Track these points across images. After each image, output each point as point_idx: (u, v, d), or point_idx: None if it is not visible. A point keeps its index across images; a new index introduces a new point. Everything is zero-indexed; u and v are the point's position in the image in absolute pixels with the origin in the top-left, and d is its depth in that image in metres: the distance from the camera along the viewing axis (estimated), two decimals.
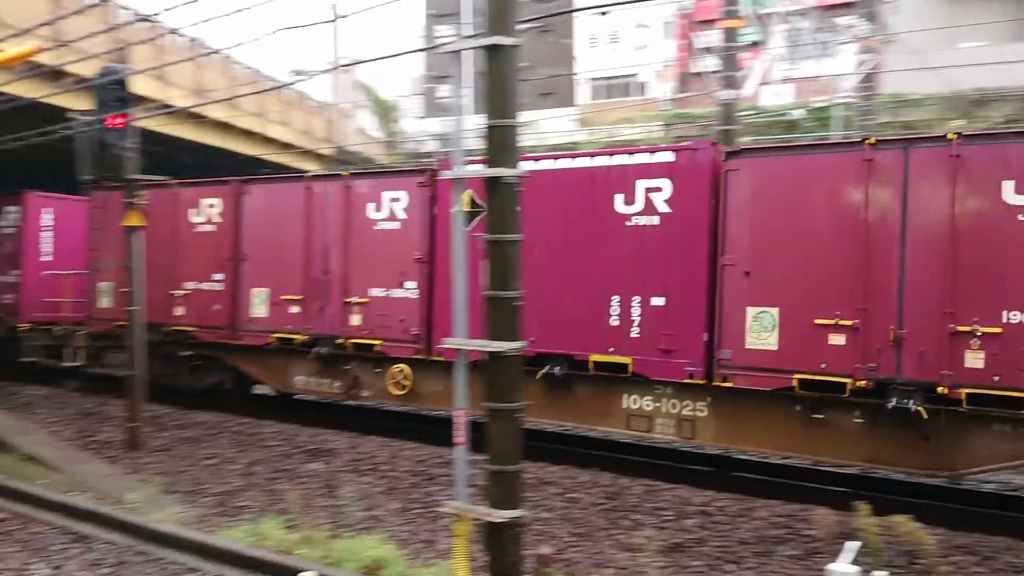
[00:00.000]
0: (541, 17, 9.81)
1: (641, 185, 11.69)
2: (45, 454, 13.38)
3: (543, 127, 36.61)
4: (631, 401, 12.13)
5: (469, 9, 6.77)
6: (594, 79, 47.56)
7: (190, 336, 16.36)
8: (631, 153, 12.32)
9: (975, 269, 9.72)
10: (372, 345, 14.27)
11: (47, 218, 20.55)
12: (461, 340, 7.02)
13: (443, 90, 50.75)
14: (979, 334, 9.61)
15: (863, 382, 10.22)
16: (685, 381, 11.47)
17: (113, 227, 15.93)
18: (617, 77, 48.52)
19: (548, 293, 11.98)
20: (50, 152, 14.51)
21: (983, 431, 9.93)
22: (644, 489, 11.63)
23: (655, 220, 11.59)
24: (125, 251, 14.26)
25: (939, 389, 9.76)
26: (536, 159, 12.96)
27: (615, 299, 11.83)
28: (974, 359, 9.68)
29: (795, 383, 10.56)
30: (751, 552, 9.42)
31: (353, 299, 14.44)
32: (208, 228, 16.33)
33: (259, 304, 15.56)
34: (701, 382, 11.36)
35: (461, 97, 7.01)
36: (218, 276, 16.10)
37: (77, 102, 15.83)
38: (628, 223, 11.76)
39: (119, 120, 12.27)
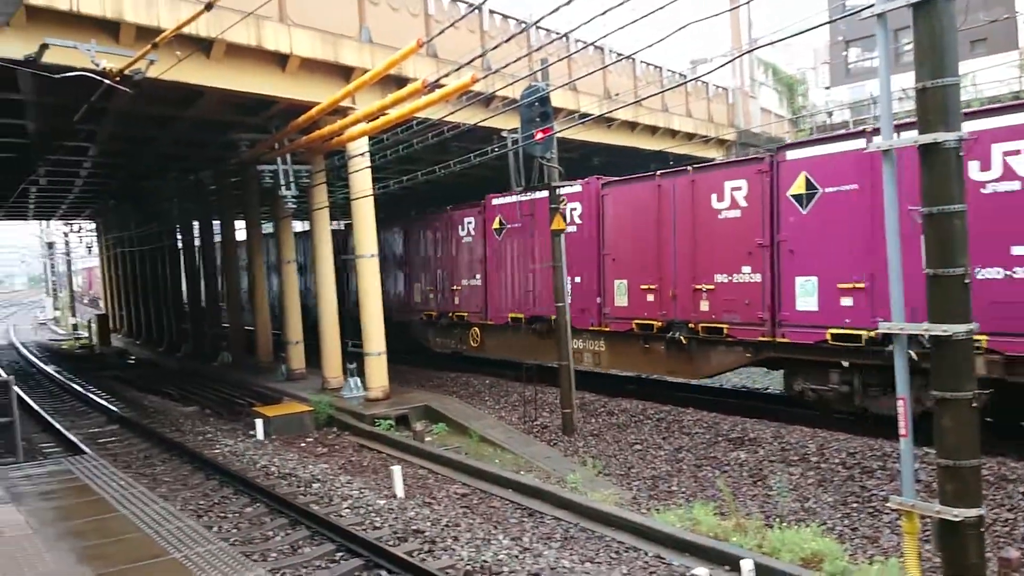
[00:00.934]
0: None
1: (568, 207, 17.75)
2: (496, 437, 15.01)
3: (978, 79, 32.40)
4: (574, 344, 17.39)
5: None
6: None
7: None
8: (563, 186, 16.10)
9: (703, 250, 15.47)
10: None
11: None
12: (899, 323, 6.48)
13: (853, 54, 47.42)
14: (704, 289, 15.43)
15: (661, 323, 16.44)
16: (590, 328, 18.06)
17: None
18: None
19: (514, 276, 20.51)
20: (477, 168, 16.23)
21: (713, 349, 15.57)
22: None
23: (573, 229, 18.01)
24: (553, 252, 15.46)
25: (690, 325, 15.82)
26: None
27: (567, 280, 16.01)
28: (704, 305, 15.49)
29: (634, 327, 17.08)
30: None
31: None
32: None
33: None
34: (598, 328, 17.91)
35: (881, 62, 6.46)
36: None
37: (506, 122, 17.51)
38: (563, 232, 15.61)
39: (542, 133, 13.31)
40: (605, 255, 17.78)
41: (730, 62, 30.36)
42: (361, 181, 17.90)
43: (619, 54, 23.98)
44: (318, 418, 17.21)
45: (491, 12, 20.08)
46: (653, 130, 27.34)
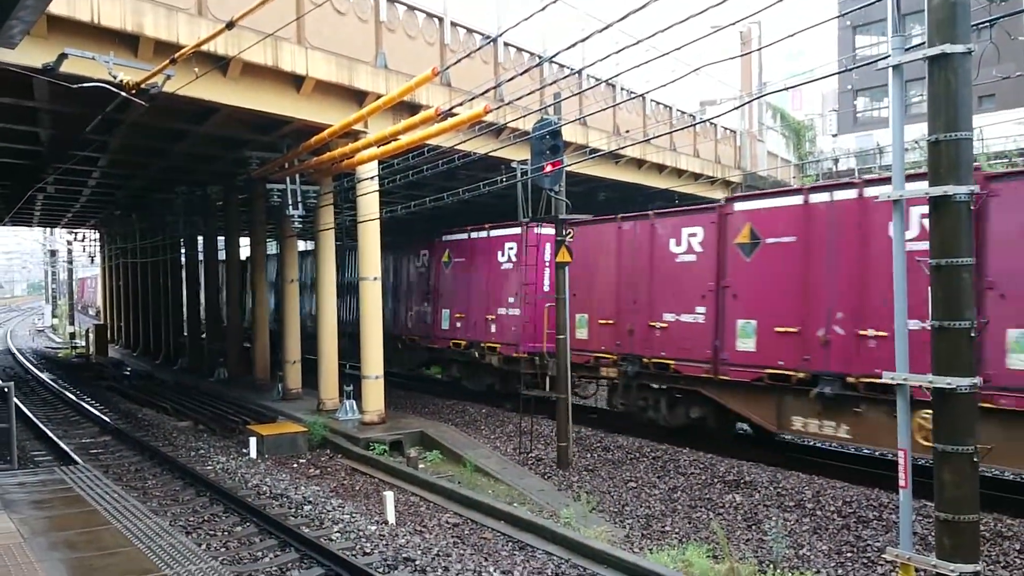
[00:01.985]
0: (995, 19, 8.61)
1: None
2: (490, 467, 14.93)
3: (985, 134, 32.64)
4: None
5: (900, 18, 6.33)
6: None
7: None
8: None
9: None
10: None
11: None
12: (902, 374, 6.49)
13: (862, 103, 47.80)
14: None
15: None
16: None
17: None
18: None
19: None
20: (481, 196, 16.32)
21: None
22: None
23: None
24: (557, 284, 15.49)
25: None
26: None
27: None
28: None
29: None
30: None
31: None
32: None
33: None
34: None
35: (894, 113, 6.53)
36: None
37: (515, 153, 17.63)
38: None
39: (552, 166, 13.40)
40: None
41: (739, 107, 30.63)
42: (368, 204, 17.98)
43: (630, 92, 24.19)
44: (312, 439, 17.12)
45: (506, 44, 20.29)
46: (660, 168, 27.50)
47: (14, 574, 6.04)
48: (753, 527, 11.57)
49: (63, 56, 11.46)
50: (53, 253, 60.82)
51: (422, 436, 17.13)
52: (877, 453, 15.52)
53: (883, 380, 6.80)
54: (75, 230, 49.31)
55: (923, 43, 6.13)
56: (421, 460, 15.64)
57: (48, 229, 54.68)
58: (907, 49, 6.29)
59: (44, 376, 29.65)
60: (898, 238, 6.52)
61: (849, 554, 10.32)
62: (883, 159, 38.24)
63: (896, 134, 6.52)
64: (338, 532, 10.71)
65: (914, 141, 24.53)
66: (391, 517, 11.67)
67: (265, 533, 10.68)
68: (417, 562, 9.45)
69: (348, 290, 27.38)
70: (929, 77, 6.07)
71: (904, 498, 6.50)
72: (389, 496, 12.03)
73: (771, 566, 9.81)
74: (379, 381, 18.08)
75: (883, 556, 9.62)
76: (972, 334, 6.07)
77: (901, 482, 6.51)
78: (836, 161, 40.72)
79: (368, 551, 9.95)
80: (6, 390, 11.11)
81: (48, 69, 11.76)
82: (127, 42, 13.24)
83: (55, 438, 16.47)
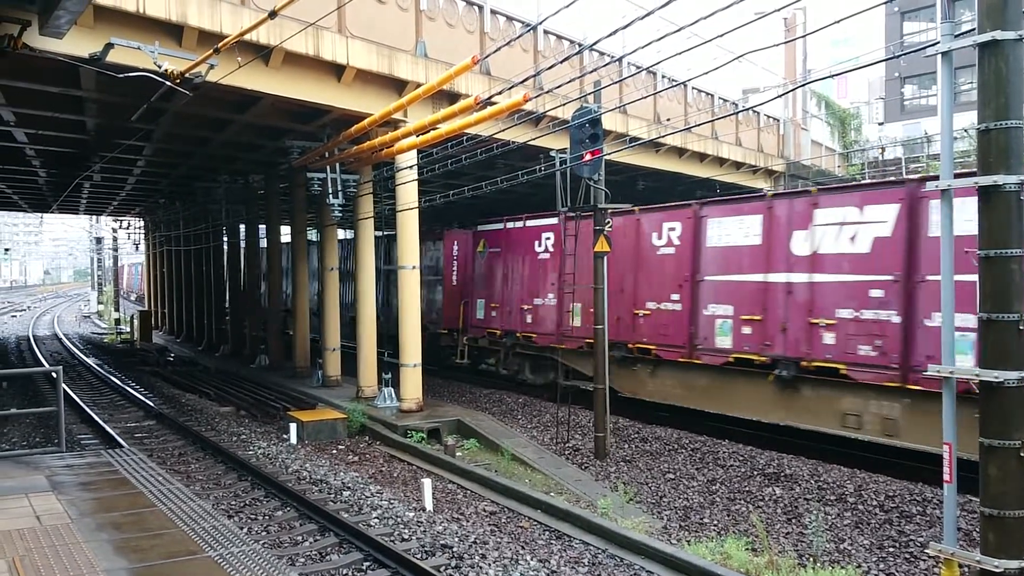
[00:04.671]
0: None
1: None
2: (527, 456, 14.95)
3: None
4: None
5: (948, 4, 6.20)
6: None
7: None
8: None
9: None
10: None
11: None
12: (948, 367, 6.37)
13: (909, 91, 46.87)
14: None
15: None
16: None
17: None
18: None
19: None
20: (519, 185, 16.33)
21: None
22: None
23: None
24: (596, 274, 15.44)
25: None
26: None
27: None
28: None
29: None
30: None
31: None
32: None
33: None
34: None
35: (943, 101, 6.40)
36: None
37: (554, 142, 17.57)
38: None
39: (591, 155, 13.33)
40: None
41: (783, 95, 30.20)
42: (407, 193, 18.05)
43: (671, 79, 23.96)
44: (351, 426, 17.30)
45: (546, 32, 20.20)
46: (702, 157, 27.22)
47: (62, 554, 6.19)
48: (793, 520, 11.47)
49: (109, 46, 11.65)
50: (99, 240, 61.99)
51: (459, 424, 17.22)
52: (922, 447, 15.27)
53: (928, 374, 6.69)
54: (120, 218, 50.20)
55: (973, 29, 6.01)
56: (458, 448, 15.72)
57: (94, 217, 55.72)
58: (957, 35, 6.16)
59: (90, 361, 30.29)
60: (946, 230, 6.38)
61: (891, 549, 10.18)
62: (931, 148, 37.50)
63: (945, 122, 6.39)
64: (376, 518, 10.81)
65: (963, 129, 24.01)
66: (428, 504, 11.76)
67: (305, 518, 10.82)
68: (454, 549, 9.51)
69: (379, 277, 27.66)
70: (979, 64, 5.94)
71: (948, 493, 6.40)
72: (427, 483, 12.12)
73: (811, 560, 9.72)
74: (417, 369, 18.19)
75: (926, 551, 9.49)
76: (1021, 327, 5.94)
77: (946, 476, 6.41)
78: (883, 150, 39.99)
79: (406, 537, 10.03)
80: (55, 375, 11.36)
81: (95, 59, 11.99)
82: (171, 32, 13.41)
83: (101, 422, 16.82)
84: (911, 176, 14.30)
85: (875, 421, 13.79)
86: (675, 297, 17.20)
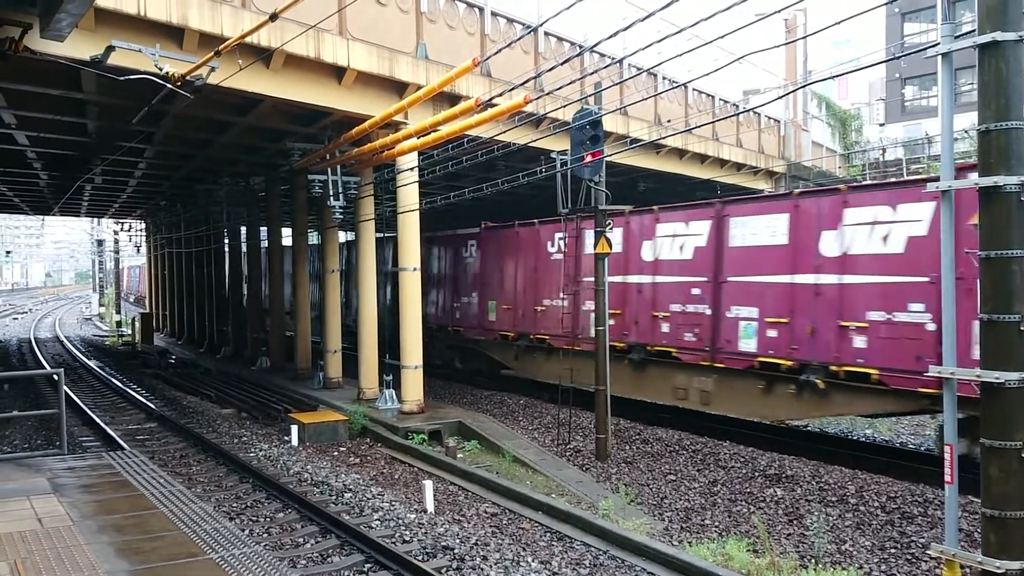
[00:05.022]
0: None
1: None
2: (528, 458, 14.95)
3: None
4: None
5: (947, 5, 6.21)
6: None
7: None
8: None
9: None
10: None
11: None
12: (950, 367, 6.37)
13: (910, 92, 46.87)
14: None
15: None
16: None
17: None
18: None
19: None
20: (520, 187, 16.36)
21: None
22: None
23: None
24: (596, 275, 15.45)
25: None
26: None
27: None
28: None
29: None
30: None
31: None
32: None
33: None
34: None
35: (943, 102, 6.40)
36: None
37: (555, 144, 17.59)
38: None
39: (592, 156, 13.33)
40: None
41: (783, 96, 30.20)
42: (408, 195, 18.05)
43: (672, 81, 23.96)
44: (352, 428, 17.30)
45: (546, 34, 20.21)
46: (702, 158, 27.22)
47: (64, 556, 6.19)
48: (795, 521, 11.46)
49: (110, 48, 11.67)
50: (100, 243, 62.04)
51: (460, 426, 17.22)
52: (923, 448, 15.32)
53: (930, 374, 6.69)
54: (122, 220, 50.23)
55: (973, 30, 6.01)
56: (460, 450, 15.72)
57: (95, 219, 55.76)
58: (957, 36, 6.16)
59: (92, 363, 30.30)
60: (946, 232, 6.39)
61: (893, 550, 10.18)
62: (932, 148, 37.48)
63: (945, 123, 6.39)
64: (378, 520, 10.81)
65: (963, 130, 24.00)
66: (430, 506, 11.76)
67: (306, 520, 10.82)
68: (456, 551, 9.51)
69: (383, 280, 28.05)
70: (979, 65, 5.95)
71: (950, 494, 6.40)
72: (428, 485, 12.12)
73: (813, 561, 9.72)
74: (418, 371, 18.19)
75: (928, 552, 9.49)
76: (1022, 327, 5.94)
77: (947, 477, 6.41)
78: (883, 151, 39.98)
79: (407, 539, 10.03)
80: (56, 377, 11.36)
81: (96, 61, 12.00)
82: (172, 34, 13.43)
83: (103, 424, 16.82)
84: (722, 199, 17.02)
85: (696, 393, 16.88)
86: (562, 295, 20.17)
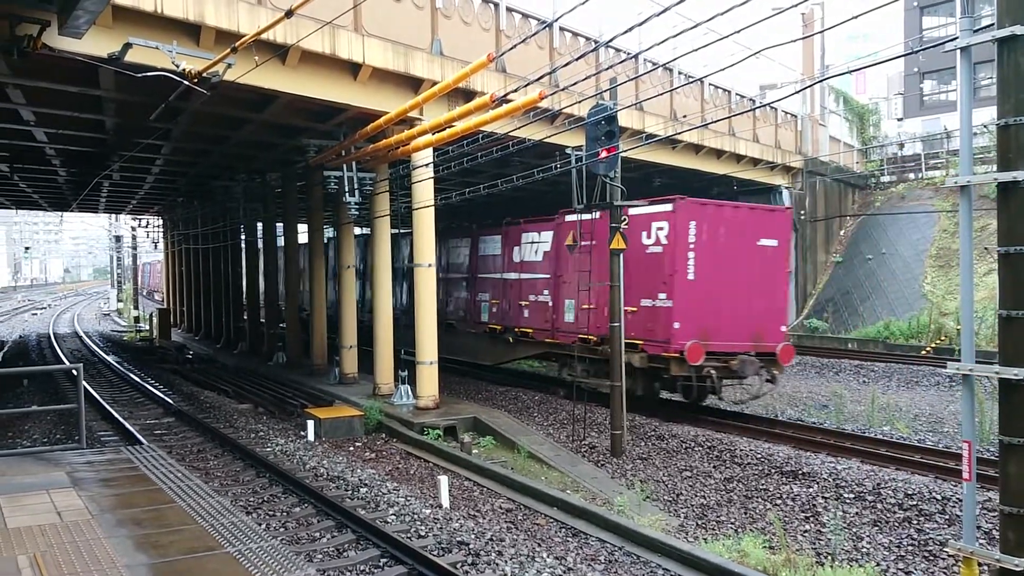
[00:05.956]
0: None
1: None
2: (544, 454, 14.96)
3: None
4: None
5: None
6: None
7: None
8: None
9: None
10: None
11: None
12: (969, 364, 6.31)
13: (929, 86, 46.48)
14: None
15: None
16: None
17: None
18: None
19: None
20: (535, 183, 16.33)
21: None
22: None
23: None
24: (612, 271, 15.43)
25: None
26: None
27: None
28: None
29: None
30: None
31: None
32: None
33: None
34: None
35: (962, 96, 6.34)
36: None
37: (570, 139, 17.56)
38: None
39: (607, 152, 13.30)
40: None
41: (800, 91, 30.01)
42: (424, 191, 18.08)
43: (688, 76, 23.87)
44: (368, 423, 17.36)
45: (561, 29, 20.18)
46: (719, 154, 27.13)
47: (83, 550, 6.25)
48: (811, 518, 11.42)
49: (127, 46, 11.75)
50: (118, 239, 62.48)
51: (475, 422, 17.25)
52: (941, 445, 15.23)
53: (948, 371, 6.63)
54: (139, 216, 50.57)
55: (992, 24, 5.94)
56: (475, 445, 15.75)
57: (113, 215, 56.16)
58: (976, 30, 6.09)
59: (110, 359, 30.55)
60: (964, 229, 6.32)
61: (910, 547, 10.13)
62: (951, 143, 37.16)
63: (964, 118, 6.33)
64: (393, 515, 10.85)
65: (983, 125, 23.80)
66: (445, 501, 11.79)
67: (322, 514, 10.87)
68: (471, 546, 9.53)
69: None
70: (998, 59, 5.87)
71: (968, 491, 6.35)
72: (443, 480, 12.15)
73: (829, 558, 9.68)
74: (433, 367, 18.23)
75: (945, 550, 9.44)
76: None
77: (965, 474, 6.36)
78: (901, 146, 39.66)
79: (423, 534, 10.07)
80: (75, 372, 11.46)
81: (113, 58, 12.09)
82: (189, 31, 13.50)
83: (121, 419, 16.97)
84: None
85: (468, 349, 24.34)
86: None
